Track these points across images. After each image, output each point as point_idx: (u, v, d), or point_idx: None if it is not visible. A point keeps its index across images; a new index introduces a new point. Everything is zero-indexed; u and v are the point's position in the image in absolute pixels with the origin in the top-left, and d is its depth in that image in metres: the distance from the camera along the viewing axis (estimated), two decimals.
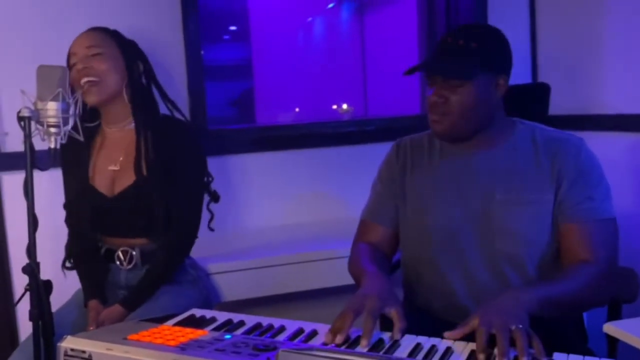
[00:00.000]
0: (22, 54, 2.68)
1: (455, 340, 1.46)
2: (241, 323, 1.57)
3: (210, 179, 2.39)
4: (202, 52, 2.99)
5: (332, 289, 2.76)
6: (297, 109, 5.69)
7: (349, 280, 1.95)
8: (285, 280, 2.83)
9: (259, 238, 3.06)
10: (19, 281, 2.69)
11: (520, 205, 1.79)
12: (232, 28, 6.37)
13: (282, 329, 1.53)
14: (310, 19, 6.26)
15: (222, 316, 1.61)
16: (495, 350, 1.36)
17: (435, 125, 1.82)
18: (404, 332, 1.49)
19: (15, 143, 2.66)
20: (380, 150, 2.09)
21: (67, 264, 2.36)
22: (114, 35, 2.29)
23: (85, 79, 2.16)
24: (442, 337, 1.47)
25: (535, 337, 1.38)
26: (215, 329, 1.52)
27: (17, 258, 2.71)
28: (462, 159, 1.88)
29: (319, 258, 2.84)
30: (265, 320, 1.57)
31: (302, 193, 3.18)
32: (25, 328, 2.65)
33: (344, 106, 4.48)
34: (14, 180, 2.66)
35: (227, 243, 2.90)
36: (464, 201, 1.85)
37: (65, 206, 2.35)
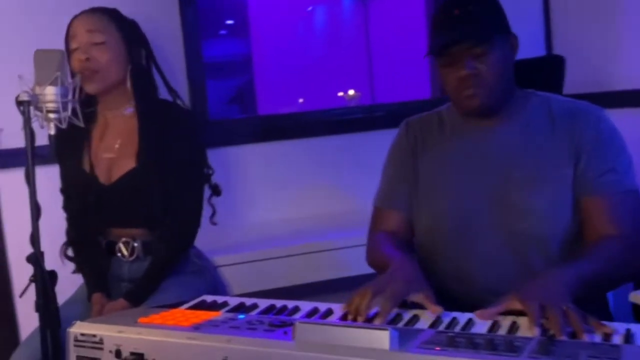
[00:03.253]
0: (7, 44, 2.64)
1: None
2: (254, 305, 1.52)
3: (210, 171, 2.32)
4: (202, 44, 2.97)
5: (343, 280, 2.72)
6: (300, 100, 5.65)
7: (360, 270, 1.91)
8: (293, 272, 2.80)
9: (263, 230, 3.02)
10: (18, 279, 2.70)
11: (539, 183, 1.71)
12: (230, 22, 6.38)
13: (296, 309, 1.48)
14: (310, 8, 6.26)
15: (234, 300, 1.56)
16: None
17: (471, 100, 1.73)
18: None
19: (10, 140, 2.64)
20: (390, 137, 1.99)
21: (68, 253, 2.30)
22: (116, 19, 2.23)
23: (86, 70, 2.12)
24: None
25: (589, 316, 1.30)
26: (228, 311, 1.47)
27: (16, 256, 2.69)
28: (475, 137, 1.81)
29: (327, 248, 2.80)
30: (278, 302, 1.52)
31: (308, 184, 3.13)
32: (25, 325, 2.64)
33: (350, 92, 4.43)
34: (10, 178, 2.64)
35: (230, 236, 2.87)
36: (478, 182, 1.78)
37: (62, 191, 2.30)
